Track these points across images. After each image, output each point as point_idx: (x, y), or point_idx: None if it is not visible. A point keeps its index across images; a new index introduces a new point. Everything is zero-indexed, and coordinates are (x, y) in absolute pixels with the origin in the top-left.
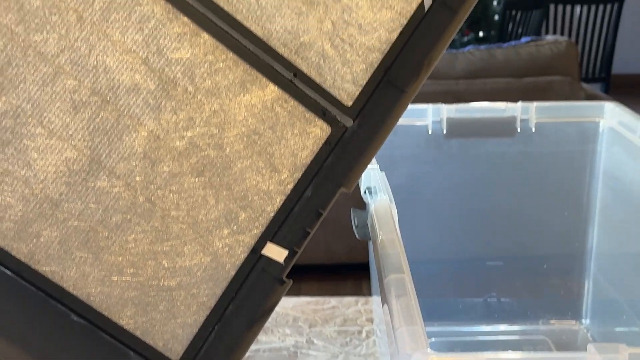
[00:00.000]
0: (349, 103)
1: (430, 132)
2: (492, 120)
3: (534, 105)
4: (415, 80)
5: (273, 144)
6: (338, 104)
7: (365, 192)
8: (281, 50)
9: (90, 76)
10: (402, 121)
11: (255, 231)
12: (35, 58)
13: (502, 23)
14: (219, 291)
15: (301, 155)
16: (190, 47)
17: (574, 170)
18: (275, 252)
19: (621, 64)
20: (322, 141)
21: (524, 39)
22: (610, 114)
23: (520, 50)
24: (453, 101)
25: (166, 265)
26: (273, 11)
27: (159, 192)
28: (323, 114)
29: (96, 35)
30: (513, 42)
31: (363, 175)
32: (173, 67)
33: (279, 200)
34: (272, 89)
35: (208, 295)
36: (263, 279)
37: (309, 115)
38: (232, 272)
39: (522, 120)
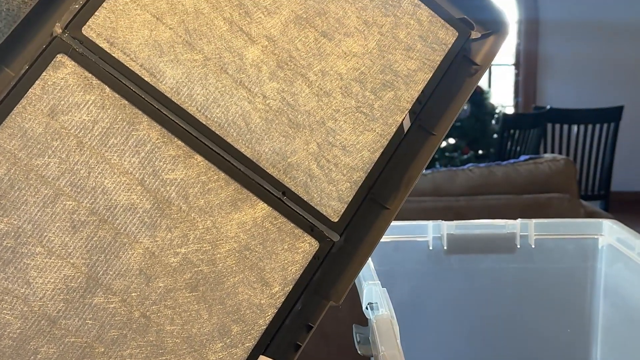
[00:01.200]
0: (336, 219)
1: (431, 248)
2: (492, 237)
3: (533, 222)
4: (397, 197)
5: (264, 258)
6: (325, 220)
7: (367, 307)
8: (270, 170)
9: (89, 197)
10: (403, 237)
11: (247, 344)
12: (37, 181)
13: (501, 141)
14: None
15: (291, 270)
16: (184, 168)
17: (575, 286)
18: None
19: (621, 182)
20: (311, 256)
21: (522, 157)
22: (609, 231)
23: (519, 168)
24: (453, 218)
25: None
26: (262, 134)
27: (154, 307)
28: (311, 230)
29: (95, 159)
30: (512, 160)
31: (364, 291)
32: (168, 187)
33: (270, 314)
34: (262, 207)
35: None
36: None
37: (298, 231)
38: None
39: (521, 237)
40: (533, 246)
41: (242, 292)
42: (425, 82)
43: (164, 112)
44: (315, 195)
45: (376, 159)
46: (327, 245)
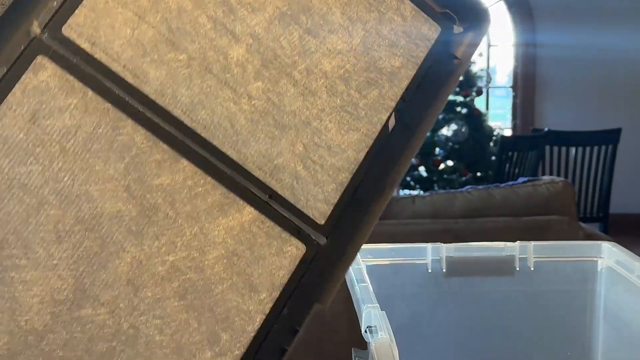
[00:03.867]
0: (322, 221)
1: (430, 271)
2: (491, 259)
3: (532, 244)
4: (382, 196)
5: (251, 264)
6: (312, 222)
7: (366, 331)
8: (257, 173)
9: (74, 205)
10: (402, 260)
11: (237, 352)
12: (20, 190)
13: (499, 164)
14: None
15: (278, 275)
16: (170, 173)
17: (575, 309)
18: None
19: (620, 204)
20: (298, 259)
21: (520, 179)
22: (608, 254)
23: (518, 190)
24: (452, 240)
25: None
26: (248, 136)
27: (142, 317)
28: (298, 233)
29: (79, 165)
30: (510, 183)
31: (363, 314)
32: (154, 194)
33: (259, 320)
34: (249, 211)
35: None
36: None
37: (285, 235)
38: None
39: (520, 259)
40: (532, 269)
41: (231, 299)
42: (409, 80)
43: (149, 115)
44: (301, 197)
45: (361, 159)
46: (314, 248)
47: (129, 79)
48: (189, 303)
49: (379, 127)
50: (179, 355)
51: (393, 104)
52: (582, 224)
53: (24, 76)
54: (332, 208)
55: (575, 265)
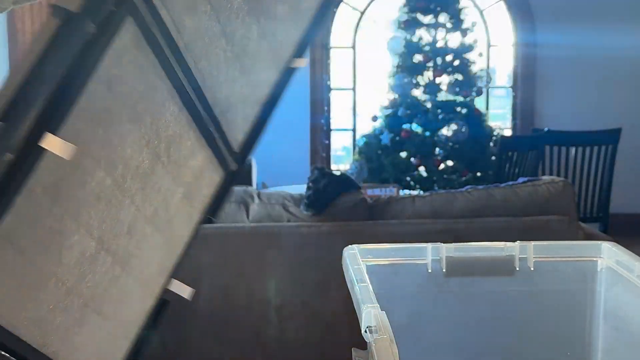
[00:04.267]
0: (238, 150)
1: (430, 271)
2: (491, 259)
3: (532, 244)
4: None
5: (195, 195)
6: (232, 152)
7: (366, 331)
8: (219, 116)
9: (113, 167)
10: (402, 260)
11: (170, 270)
12: (85, 156)
13: (499, 164)
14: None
15: (206, 201)
16: (175, 126)
17: (575, 308)
18: (179, 287)
19: (620, 204)
20: (219, 185)
21: (520, 179)
22: (608, 254)
23: (518, 190)
24: (452, 240)
25: (130, 319)
26: (222, 81)
27: (128, 259)
28: (224, 163)
29: (126, 127)
30: (510, 182)
31: (363, 314)
32: (161, 145)
33: (186, 243)
34: (207, 151)
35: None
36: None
37: (217, 166)
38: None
39: (520, 259)
40: (532, 269)
41: (179, 229)
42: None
43: (176, 70)
44: (233, 131)
45: (270, 94)
46: (229, 175)
47: (173, 32)
48: (159, 242)
49: (284, 64)
50: (143, 285)
51: (298, 40)
52: (582, 224)
53: (113, 39)
54: (244, 137)
55: (575, 265)
